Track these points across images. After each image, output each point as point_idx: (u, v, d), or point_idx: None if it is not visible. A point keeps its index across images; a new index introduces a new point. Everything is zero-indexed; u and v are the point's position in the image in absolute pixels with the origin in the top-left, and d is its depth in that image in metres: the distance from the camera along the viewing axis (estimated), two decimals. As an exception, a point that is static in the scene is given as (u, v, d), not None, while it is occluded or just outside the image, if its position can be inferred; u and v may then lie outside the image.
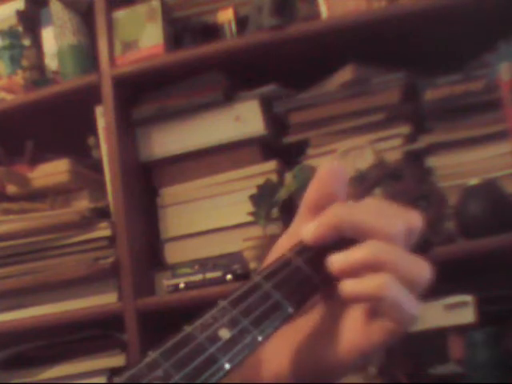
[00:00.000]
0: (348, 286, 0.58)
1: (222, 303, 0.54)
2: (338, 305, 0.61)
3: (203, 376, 0.50)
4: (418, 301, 0.58)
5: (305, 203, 0.64)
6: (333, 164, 0.63)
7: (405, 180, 0.69)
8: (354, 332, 0.59)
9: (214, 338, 0.51)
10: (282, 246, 0.63)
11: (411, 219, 0.60)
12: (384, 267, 0.57)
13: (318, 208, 0.62)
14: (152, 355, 0.50)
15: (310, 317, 0.63)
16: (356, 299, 0.59)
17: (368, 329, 0.59)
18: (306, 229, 0.61)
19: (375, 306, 0.59)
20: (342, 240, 0.59)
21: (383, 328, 0.58)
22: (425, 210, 0.65)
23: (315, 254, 0.60)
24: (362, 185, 0.66)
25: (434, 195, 0.69)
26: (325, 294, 0.62)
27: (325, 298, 0.62)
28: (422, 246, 0.62)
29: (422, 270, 0.59)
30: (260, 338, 0.54)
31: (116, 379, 0.50)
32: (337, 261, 0.59)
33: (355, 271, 0.58)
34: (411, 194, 0.67)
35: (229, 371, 0.51)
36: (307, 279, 0.59)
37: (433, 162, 1.61)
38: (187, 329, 0.52)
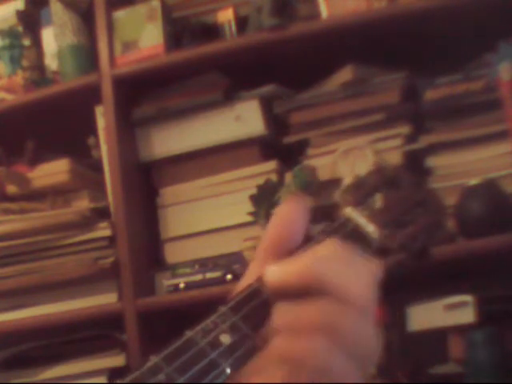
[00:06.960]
0: (280, 344, 0.53)
1: (223, 309, 0.54)
2: None
3: (205, 380, 0.50)
4: (361, 370, 0.53)
5: (264, 244, 0.58)
6: (292, 201, 0.59)
7: (402, 187, 0.68)
8: None
9: (216, 344, 0.52)
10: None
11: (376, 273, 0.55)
12: (329, 332, 0.52)
13: (279, 249, 0.57)
14: (154, 360, 0.50)
15: None
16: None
17: None
18: (270, 270, 0.55)
19: None
20: None
21: None
22: (422, 217, 0.65)
23: None
24: (360, 191, 0.66)
25: (431, 202, 0.69)
26: None
27: None
28: (418, 253, 0.62)
29: (370, 345, 0.53)
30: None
31: (118, 381, 0.50)
32: (281, 315, 0.54)
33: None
34: (409, 201, 0.67)
35: (230, 376, 0.51)
36: None
37: (433, 161, 1.61)
38: (188, 334, 0.52)
